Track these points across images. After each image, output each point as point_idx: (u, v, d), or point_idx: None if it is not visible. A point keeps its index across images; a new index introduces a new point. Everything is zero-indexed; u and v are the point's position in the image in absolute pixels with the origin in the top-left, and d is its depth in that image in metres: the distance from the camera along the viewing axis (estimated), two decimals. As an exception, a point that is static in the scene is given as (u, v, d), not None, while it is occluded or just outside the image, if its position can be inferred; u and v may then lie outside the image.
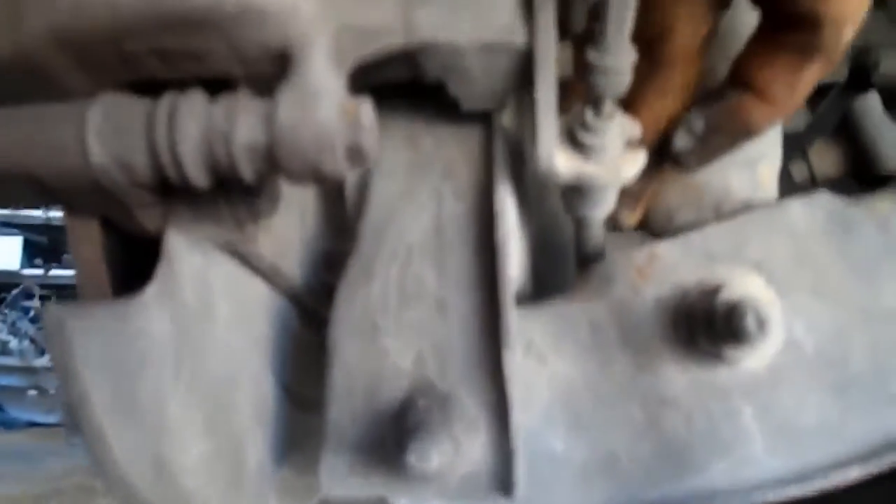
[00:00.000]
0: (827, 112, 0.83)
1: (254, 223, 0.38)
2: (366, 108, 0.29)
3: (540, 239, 0.47)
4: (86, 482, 2.99)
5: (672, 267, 0.38)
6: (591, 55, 0.32)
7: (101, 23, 0.28)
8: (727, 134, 0.37)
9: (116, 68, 0.30)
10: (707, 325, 0.35)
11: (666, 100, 0.39)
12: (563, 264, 0.49)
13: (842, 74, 0.80)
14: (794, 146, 0.52)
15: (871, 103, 0.46)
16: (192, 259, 0.36)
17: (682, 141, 0.38)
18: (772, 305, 0.35)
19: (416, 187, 0.43)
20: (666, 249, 0.38)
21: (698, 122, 0.37)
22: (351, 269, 0.41)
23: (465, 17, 0.33)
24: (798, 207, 0.38)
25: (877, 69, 0.84)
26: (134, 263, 0.36)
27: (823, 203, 0.38)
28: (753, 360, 0.36)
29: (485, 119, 0.42)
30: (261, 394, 0.45)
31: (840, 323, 0.36)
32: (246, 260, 0.41)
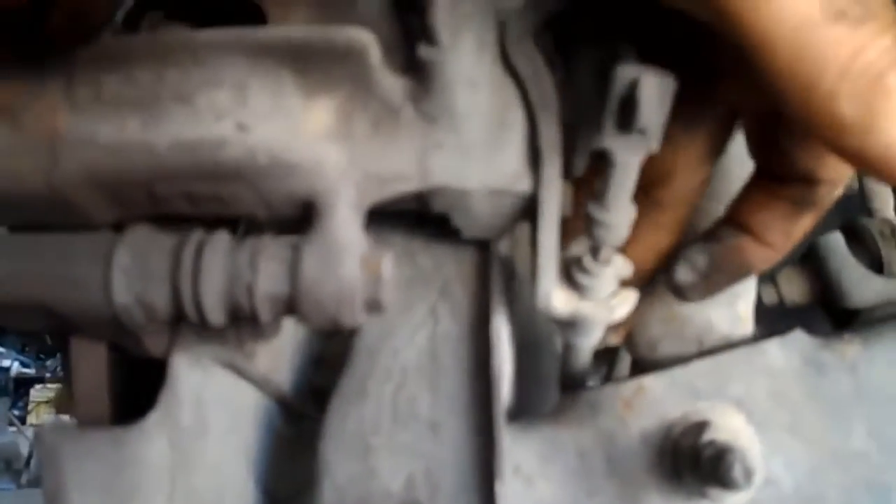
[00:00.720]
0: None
1: (255, 343, 0.38)
2: (386, 263, 0.30)
3: (524, 353, 0.48)
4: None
5: (658, 400, 0.40)
6: (593, 210, 0.34)
7: (137, 168, 0.29)
8: (728, 272, 0.39)
9: (144, 205, 0.31)
10: (692, 463, 0.37)
11: (659, 236, 0.41)
12: (546, 381, 0.51)
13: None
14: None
15: (835, 242, 0.49)
16: (192, 379, 0.36)
17: (684, 276, 0.39)
18: (754, 449, 0.37)
19: (413, 305, 0.44)
20: (652, 383, 0.40)
21: (701, 259, 0.39)
22: (344, 385, 0.41)
23: (476, 164, 0.35)
24: (775, 348, 0.40)
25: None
26: (134, 381, 0.36)
27: (798, 344, 0.40)
28: (736, 497, 0.37)
29: (482, 243, 0.44)
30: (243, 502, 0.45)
31: (815, 462, 0.38)
32: (242, 373, 0.41)
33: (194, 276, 0.29)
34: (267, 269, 0.29)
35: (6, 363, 4.85)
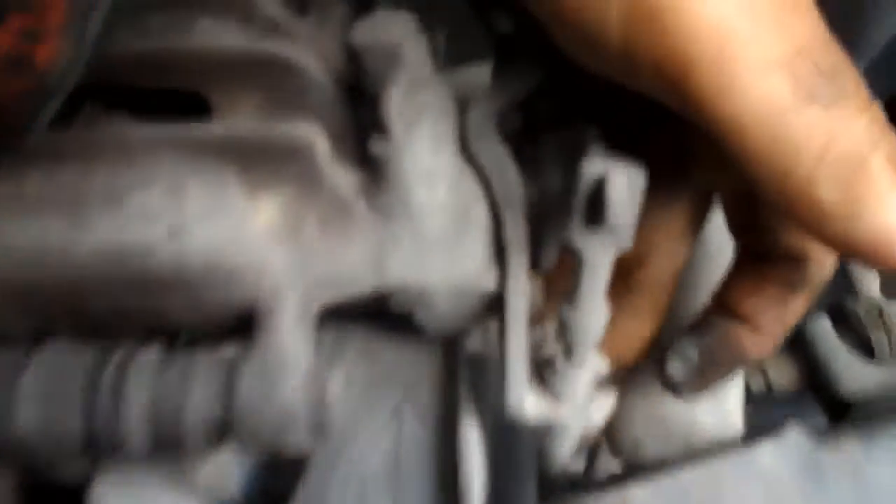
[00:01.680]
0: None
1: (194, 458, 0.35)
2: (333, 385, 0.27)
3: (499, 455, 0.45)
4: None
5: (645, 514, 0.36)
6: (564, 312, 0.32)
7: (59, 280, 0.26)
8: (722, 364, 0.36)
9: (66, 320, 0.28)
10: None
11: (639, 322, 0.38)
12: (523, 482, 0.47)
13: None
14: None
15: (822, 327, 0.47)
16: (121, 506, 0.32)
17: (676, 371, 0.37)
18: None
19: (376, 406, 0.40)
20: (638, 493, 0.36)
21: (692, 352, 0.37)
22: (300, 499, 0.37)
23: (436, 261, 0.33)
24: (769, 452, 0.37)
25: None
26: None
27: (794, 446, 0.37)
28: None
29: (449, 339, 0.41)
30: None
31: (819, 581, 0.35)
32: (184, 486, 0.37)
33: (114, 400, 0.25)
34: (199, 392, 0.26)
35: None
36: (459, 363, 0.40)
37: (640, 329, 0.39)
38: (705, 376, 0.37)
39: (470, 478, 0.36)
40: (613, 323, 0.38)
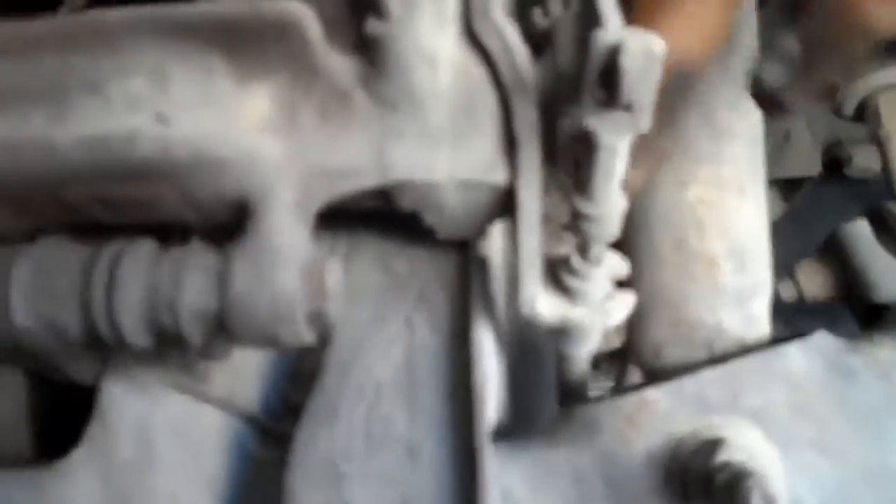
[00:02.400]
0: (801, 204, 0.83)
1: (205, 364, 0.34)
2: (331, 271, 0.26)
3: (517, 361, 0.44)
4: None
5: (664, 416, 0.35)
6: (579, 203, 0.30)
7: (38, 169, 0.25)
8: (834, 47, 0.29)
9: (56, 213, 0.27)
10: (703, 487, 0.32)
11: (709, 7, 0.30)
12: (543, 387, 0.46)
13: (816, 167, 0.80)
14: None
15: (860, 231, 0.44)
16: (132, 407, 0.32)
17: (772, 72, 0.32)
18: (775, 470, 0.32)
19: (388, 315, 0.39)
20: (657, 396, 0.35)
21: (790, 43, 0.32)
22: (313, 407, 0.37)
23: (442, 154, 0.31)
24: (796, 353, 0.35)
25: (849, 163, 0.85)
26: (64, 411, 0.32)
27: (822, 347, 0.35)
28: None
29: (462, 244, 0.39)
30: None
31: (844, 482, 0.34)
32: (198, 394, 0.37)
33: (108, 292, 0.25)
34: (192, 284, 0.25)
35: None
36: (472, 265, 0.38)
37: (712, 18, 0.31)
38: (811, 69, 0.29)
39: (483, 382, 0.35)
40: (676, 7, 0.29)
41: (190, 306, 0.25)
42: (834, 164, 0.83)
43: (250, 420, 0.46)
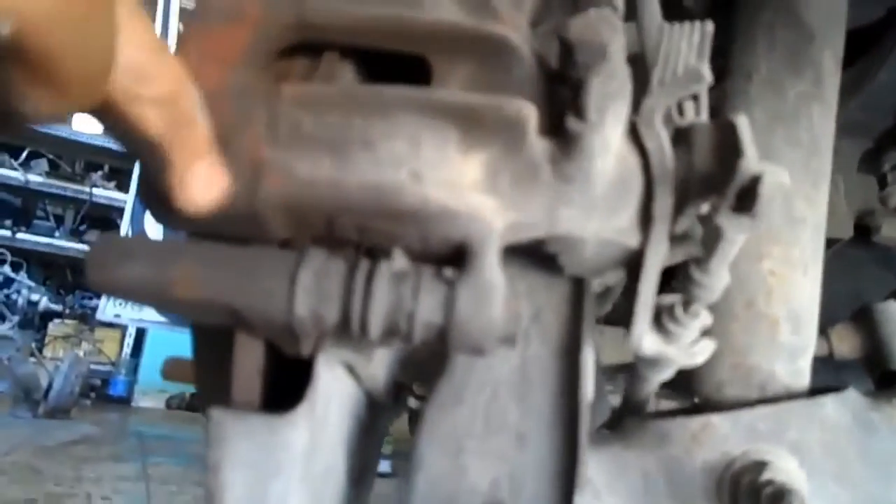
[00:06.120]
0: (832, 266, 0.92)
1: (376, 349, 0.44)
2: (524, 305, 0.35)
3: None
4: (32, 461, 2.92)
5: (722, 437, 0.45)
6: (696, 273, 0.39)
7: (327, 202, 0.34)
8: None
9: (319, 229, 0.36)
10: (750, 498, 0.42)
11: None
12: (597, 397, 0.56)
13: (848, 231, 0.90)
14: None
15: (891, 309, 0.54)
16: (325, 377, 0.42)
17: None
18: (804, 489, 0.42)
19: (507, 326, 0.49)
20: (719, 421, 0.45)
21: None
22: (441, 391, 0.47)
23: (595, 218, 0.40)
24: (831, 403, 0.45)
25: (878, 232, 0.94)
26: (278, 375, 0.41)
27: (852, 402, 0.45)
28: (783, 532, 0.42)
29: (575, 278, 0.49)
30: (337, 489, 0.50)
31: (856, 509, 0.44)
32: (355, 372, 0.47)
33: (364, 299, 0.34)
34: (426, 303, 0.34)
35: (35, 297, 4.99)
36: (586, 297, 0.48)
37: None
38: None
39: (587, 393, 0.45)
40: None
41: (423, 319, 0.34)
42: (864, 230, 0.93)
43: (367, 393, 0.55)
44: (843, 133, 0.81)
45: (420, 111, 0.36)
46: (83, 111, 0.27)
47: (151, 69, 0.29)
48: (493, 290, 0.34)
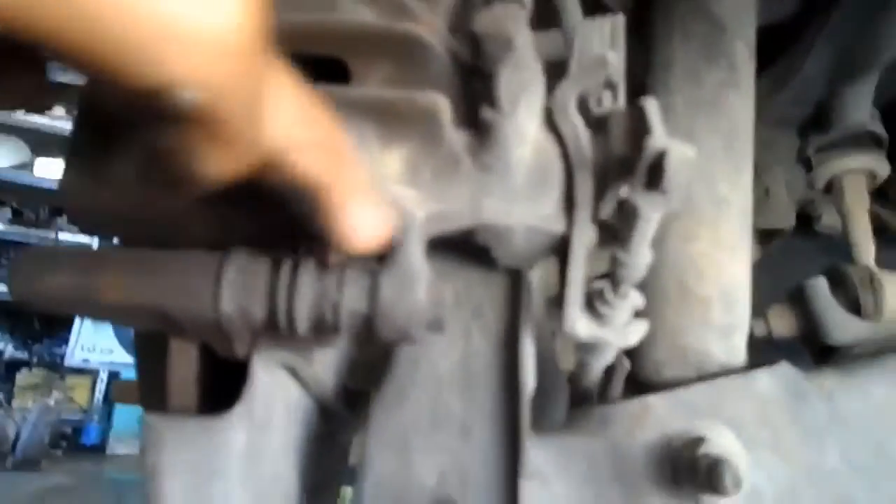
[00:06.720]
0: (775, 251, 0.95)
1: (316, 349, 0.44)
2: (447, 291, 0.36)
3: (542, 367, 0.54)
4: None
5: (661, 417, 0.46)
6: (619, 253, 0.40)
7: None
8: None
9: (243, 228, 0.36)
10: (689, 472, 0.43)
11: None
12: (553, 395, 0.57)
13: (790, 221, 0.93)
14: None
15: (820, 286, 0.56)
16: (264, 379, 0.42)
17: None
18: (742, 461, 0.43)
19: (448, 323, 0.50)
20: (657, 402, 0.46)
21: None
22: (387, 390, 0.47)
23: (519, 207, 0.41)
24: (764, 377, 0.46)
25: (819, 220, 0.97)
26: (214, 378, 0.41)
27: (784, 375, 0.47)
28: (726, 502, 0.43)
29: (513, 271, 0.50)
30: (288, 492, 0.50)
31: (793, 478, 0.45)
32: (298, 375, 0.47)
33: (289, 292, 0.35)
34: (351, 293, 0.35)
35: (0, 346, 4.86)
36: (523, 289, 0.49)
37: None
38: None
39: (527, 383, 0.45)
40: None
41: (349, 308, 0.35)
42: (805, 219, 0.96)
43: (318, 400, 0.55)
44: (779, 127, 0.85)
45: (337, 109, 0.37)
46: (252, 166, 0.28)
47: (307, 116, 0.30)
48: (416, 277, 0.35)
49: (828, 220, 0.95)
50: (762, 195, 0.88)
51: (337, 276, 0.35)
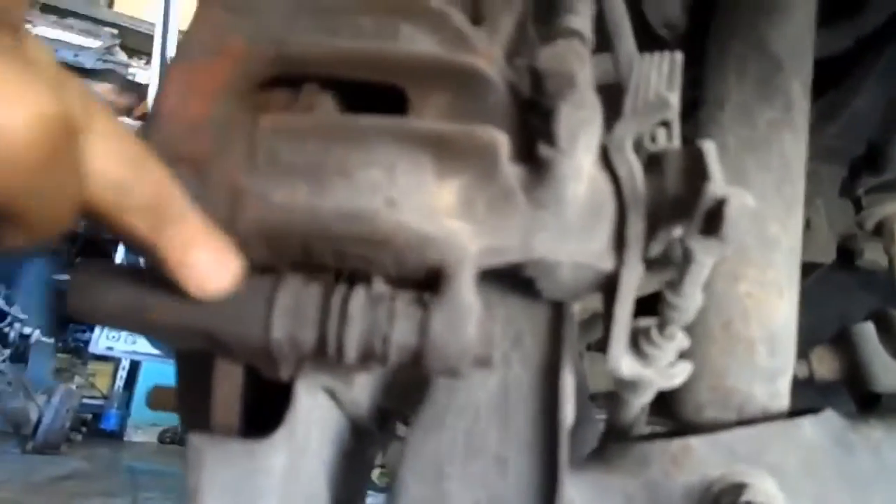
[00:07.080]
0: (815, 288, 0.93)
1: (357, 374, 0.44)
2: (497, 327, 0.35)
3: (578, 402, 0.54)
4: (20, 498, 2.86)
5: (701, 460, 0.45)
6: (669, 295, 0.40)
7: (303, 228, 0.35)
8: None
9: (297, 255, 0.37)
10: (729, 520, 0.42)
11: None
12: (582, 422, 0.56)
13: (831, 255, 0.91)
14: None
15: (868, 330, 0.55)
16: (306, 403, 0.42)
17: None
18: (784, 512, 0.42)
19: (488, 350, 0.49)
20: (698, 444, 0.45)
21: None
22: (424, 416, 0.47)
23: (570, 243, 0.41)
24: (809, 425, 0.45)
25: (861, 255, 0.95)
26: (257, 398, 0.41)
27: (830, 423, 0.46)
28: (763, 555, 0.42)
29: (555, 303, 0.49)
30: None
31: (835, 530, 0.44)
32: (337, 398, 0.47)
33: (340, 322, 0.35)
34: (401, 326, 0.35)
35: (27, 331, 4.95)
36: (565, 323, 0.48)
37: None
38: None
39: (566, 416, 0.45)
40: None
41: (398, 341, 0.35)
42: (847, 254, 0.94)
43: (350, 418, 0.55)
44: (823, 159, 0.83)
45: (395, 140, 0.37)
46: (52, 237, 0.28)
47: (131, 180, 0.30)
48: (468, 313, 0.35)
49: (870, 254, 0.93)
50: (803, 227, 0.87)
51: (388, 306, 0.35)
